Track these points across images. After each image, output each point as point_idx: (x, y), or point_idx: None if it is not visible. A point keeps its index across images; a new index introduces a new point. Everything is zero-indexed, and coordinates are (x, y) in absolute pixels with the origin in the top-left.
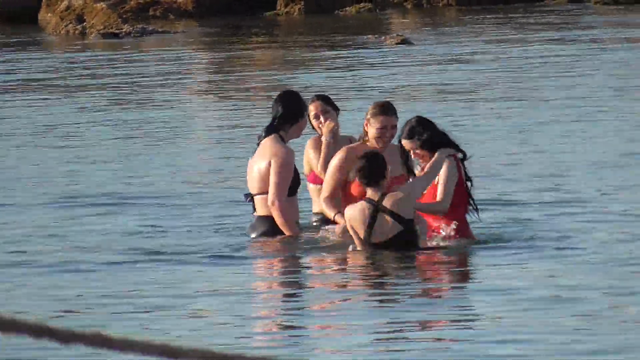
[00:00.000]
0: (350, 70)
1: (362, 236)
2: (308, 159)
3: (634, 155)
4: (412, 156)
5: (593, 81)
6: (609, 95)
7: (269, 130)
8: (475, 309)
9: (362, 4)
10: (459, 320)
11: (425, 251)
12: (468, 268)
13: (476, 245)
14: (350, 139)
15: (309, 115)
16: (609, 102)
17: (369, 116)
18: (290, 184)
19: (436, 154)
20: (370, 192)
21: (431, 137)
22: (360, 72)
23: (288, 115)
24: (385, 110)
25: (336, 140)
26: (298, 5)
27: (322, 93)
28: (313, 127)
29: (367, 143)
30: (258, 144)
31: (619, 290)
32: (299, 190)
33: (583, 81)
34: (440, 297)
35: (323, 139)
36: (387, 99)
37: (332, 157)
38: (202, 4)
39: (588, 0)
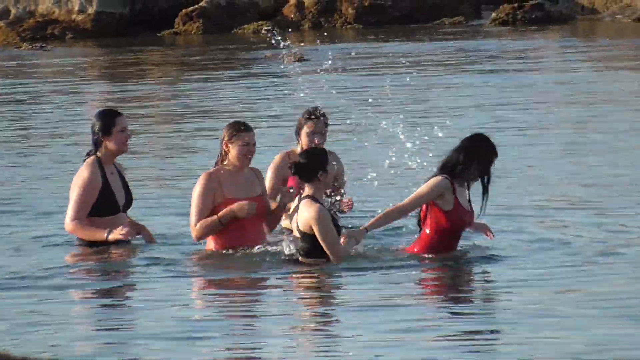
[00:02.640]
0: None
1: None
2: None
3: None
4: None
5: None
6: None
7: (90, 152)
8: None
9: (260, 22)
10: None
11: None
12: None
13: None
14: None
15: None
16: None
17: (228, 137)
18: (97, 205)
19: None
20: (306, 188)
21: None
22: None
23: (95, 137)
24: (246, 127)
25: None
26: (196, 23)
27: (320, 110)
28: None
29: (226, 166)
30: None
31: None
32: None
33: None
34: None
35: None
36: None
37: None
38: (100, 24)
39: (488, 10)
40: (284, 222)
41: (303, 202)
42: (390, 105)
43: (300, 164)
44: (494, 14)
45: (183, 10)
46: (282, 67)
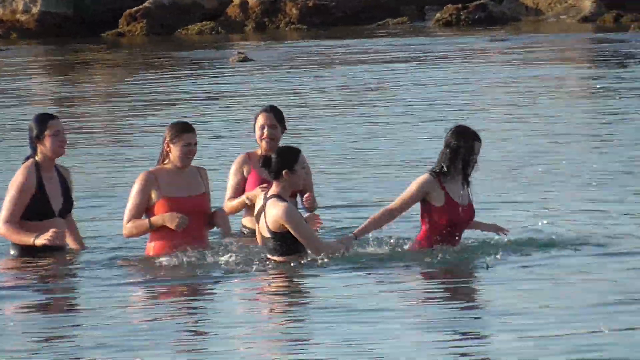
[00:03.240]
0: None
1: None
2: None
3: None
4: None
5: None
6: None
7: (28, 156)
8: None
9: (204, 23)
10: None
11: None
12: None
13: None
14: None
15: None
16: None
17: (170, 138)
18: (29, 208)
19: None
20: (273, 186)
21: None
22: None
23: (31, 141)
24: (188, 128)
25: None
26: (140, 23)
27: (274, 105)
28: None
29: (167, 165)
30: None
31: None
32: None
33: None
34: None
35: (245, 197)
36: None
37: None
38: (44, 24)
39: (432, 11)
40: (244, 220)
41: (269, 202)
42: (340, 101)
43: (268, 158)
44: (437, 15)
45: (127, 11)
46: (226, 66)
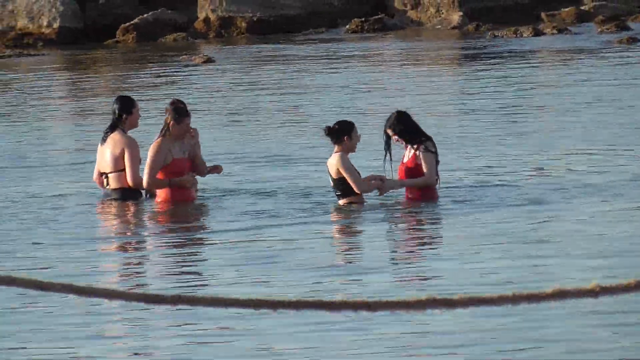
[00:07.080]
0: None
1: None
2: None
3: None
4: (394, 141)
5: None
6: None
7: (113, 127)
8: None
9: (178, 33)
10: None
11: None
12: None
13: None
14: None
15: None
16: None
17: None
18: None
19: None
20: (335, 148)
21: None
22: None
23: (121, 114)
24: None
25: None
26: (132, 34)
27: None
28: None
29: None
30: (104, 137)
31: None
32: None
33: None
34: None
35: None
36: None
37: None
38: (62, 35)
39: (342, 24)
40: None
41: (332, 156)
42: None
43: (332, 128)
44: (347, 26)
45: (122, 25)
46: (192, 67)
